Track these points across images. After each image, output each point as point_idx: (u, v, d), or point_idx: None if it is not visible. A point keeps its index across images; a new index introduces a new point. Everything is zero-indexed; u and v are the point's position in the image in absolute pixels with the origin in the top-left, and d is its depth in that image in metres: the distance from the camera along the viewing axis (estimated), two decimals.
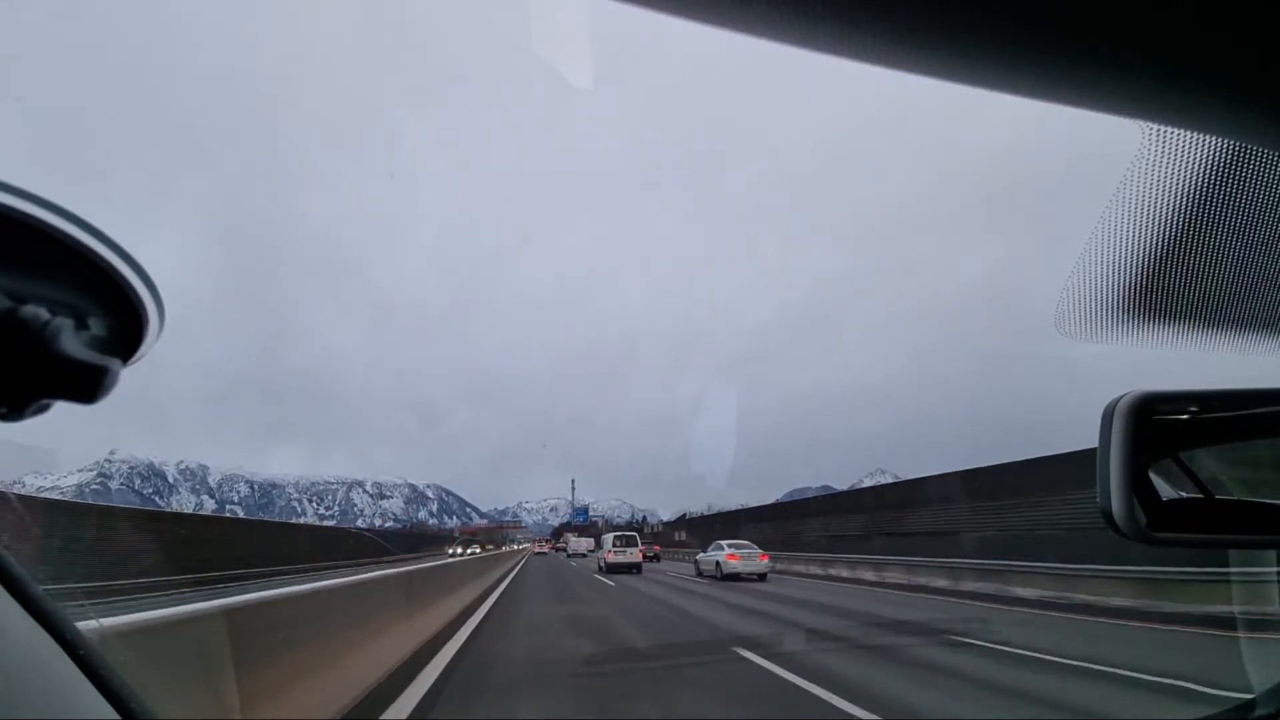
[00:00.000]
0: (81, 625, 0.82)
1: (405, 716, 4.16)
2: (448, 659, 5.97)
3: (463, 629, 8.07)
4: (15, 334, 0.49)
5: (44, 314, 0.51)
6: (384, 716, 4.13)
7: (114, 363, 0.55)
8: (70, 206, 0.53)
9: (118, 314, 0.59)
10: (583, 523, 73.82)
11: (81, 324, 0.55)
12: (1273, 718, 1.34)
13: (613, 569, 22.79)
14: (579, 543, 58.00)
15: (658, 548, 38.99)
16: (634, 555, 23.54)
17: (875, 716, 4.10)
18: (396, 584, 6.31)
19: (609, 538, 25.27)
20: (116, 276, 0.57)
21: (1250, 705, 1.46)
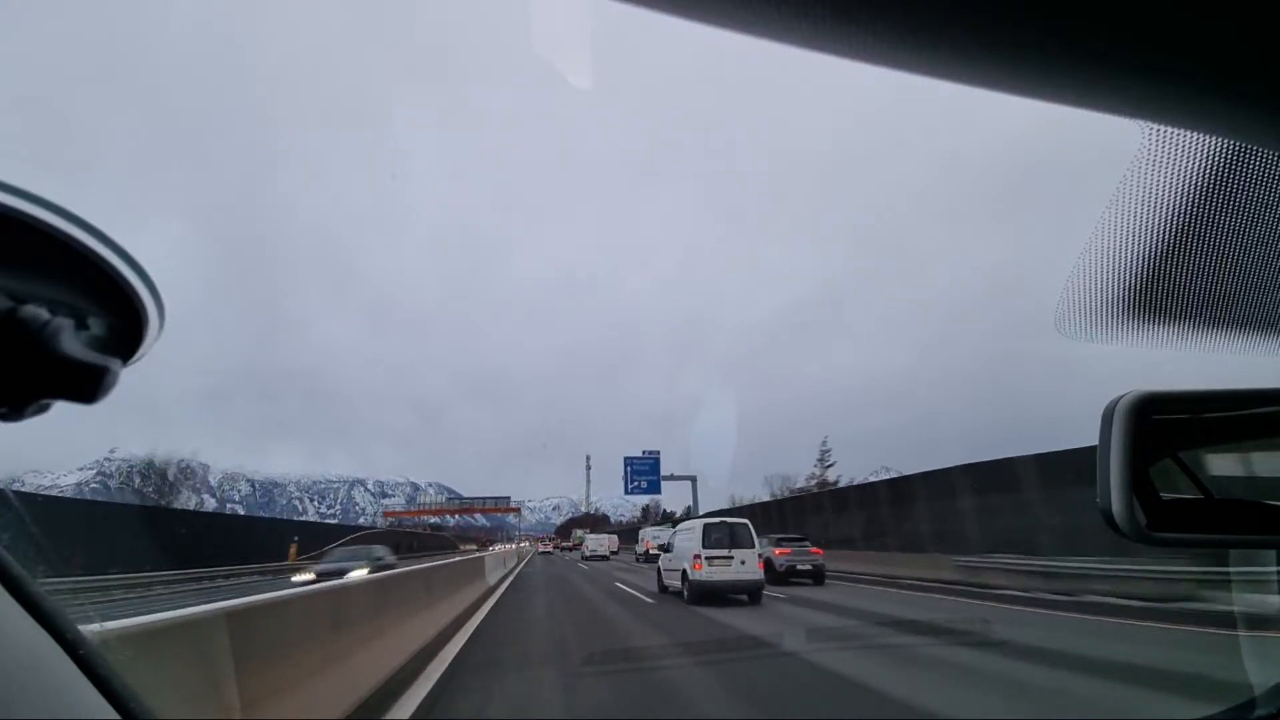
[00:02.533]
0: (83, 628, 0.82)
1: (409, 716, 4.18)
2: None
3: None
4: (15, 334, 0.49)
5: (44, 314, 0.51)
6: (387, 716, 4.15)
7: (114, 363, 0.55)
8: (51, 198, 0.53)
9: (118, 314, 0.59)
10: (649, 489, 40.43)
11: (81, 324, 0.55)
12: (1273, 718, 1.34)
13: (707, 594, 11.77)
14: (599, 541, 42.50)
15: (818, 551, 17.44)
16: (747, 568, 12.01)
17: None
18: None
19: (694, 529, 12.82)
20: (116, 276, 0.57)
21: (1250, 705, 1.46)
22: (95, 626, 1.60)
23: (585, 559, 37.76)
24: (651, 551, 28.66)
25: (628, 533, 61.59)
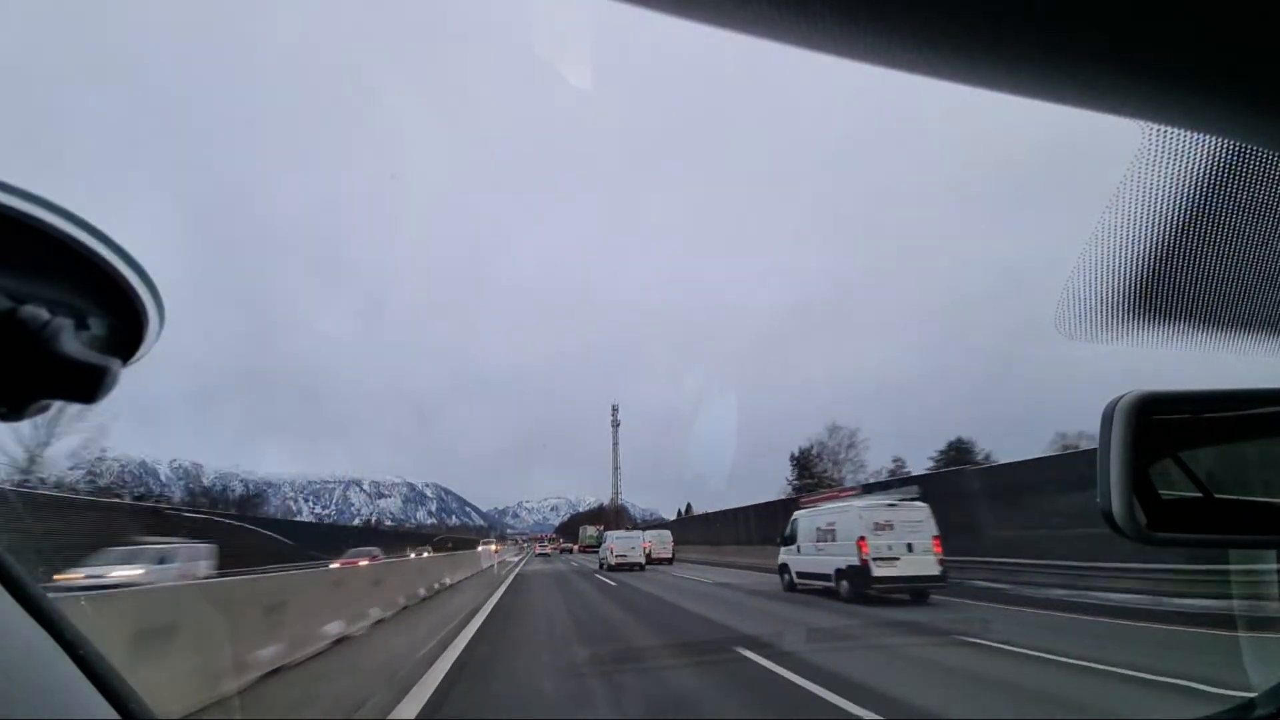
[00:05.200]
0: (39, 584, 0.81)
1: (415, 716, 4.21)
2: None
3: None
4: (15, 334, 0.49)
5: (44, 314, 0.51)
6: (394, 716, 4.19)
7: (114, 363, 0.55)
8: (34, 189, 0.53)
9: (118, 314, 0.59)
10: None
11: (81, 324, 0.55)
12: (1273, 718, 1.33)
13: None
14: (628, 542, 26.29)
15: None
16: None
17: None
18: None
19: None
20: (116, 276, 0.57)
21: (1250, 705, 1.46)
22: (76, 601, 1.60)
23: (610, 569, 23.91)
24: (881, 570, 11.25)
25: (674, 527, 39.03)
